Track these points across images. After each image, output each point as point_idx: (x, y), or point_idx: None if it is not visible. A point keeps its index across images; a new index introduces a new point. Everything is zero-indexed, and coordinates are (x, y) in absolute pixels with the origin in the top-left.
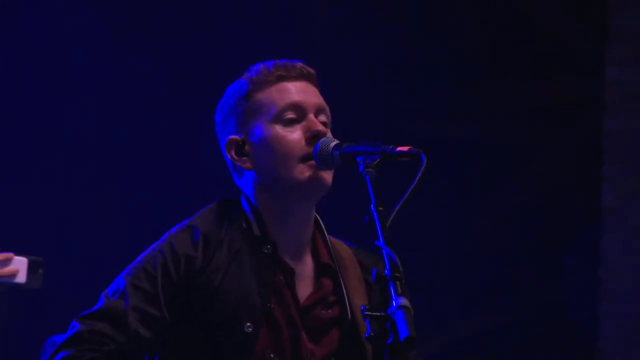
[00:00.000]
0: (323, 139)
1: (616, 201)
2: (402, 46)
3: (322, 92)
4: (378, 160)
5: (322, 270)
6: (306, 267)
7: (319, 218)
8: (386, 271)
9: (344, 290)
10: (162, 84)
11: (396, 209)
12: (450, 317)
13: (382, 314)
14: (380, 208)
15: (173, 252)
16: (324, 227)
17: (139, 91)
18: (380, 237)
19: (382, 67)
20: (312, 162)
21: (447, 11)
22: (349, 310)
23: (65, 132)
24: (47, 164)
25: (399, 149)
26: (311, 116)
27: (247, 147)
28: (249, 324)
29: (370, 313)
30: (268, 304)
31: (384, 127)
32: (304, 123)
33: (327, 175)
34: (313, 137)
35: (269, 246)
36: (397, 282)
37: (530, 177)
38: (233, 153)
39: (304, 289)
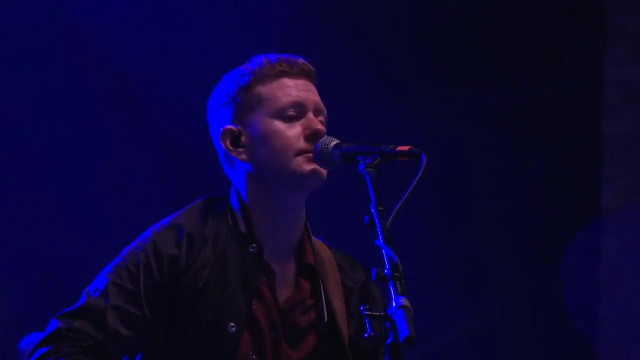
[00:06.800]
0: (323, 139)
1: (616, 201)
2: (402, 47)
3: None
4: (378, 160)
5: (303, 271)
6: (288, 269)
7: (307, 222)
8: (386, 271)
9: (323, 293)
10: (157, 82)
11: (396, 209)
12: (450, 317)
13: (382, 313)
14: (381, 208)
15: (157, 251)
16: (310, 230)
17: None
18: (380, 237)
19: (385, 67)
20: (310, 154)
21: (447, 11)
22: (325, 313)
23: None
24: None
25: (400, 148)
26: (311, 115)
27: (243, 139)
28: (232, 324)
29: (370, 313)
30: (252, 305)
31: (385, 128)
32: (303, 121)
33: (324, 169)
34: (312, 136)
35: (254, 245)
36: (397, 282)
37: (530, 177)
38: (228, 143)
39: (284, 291)
